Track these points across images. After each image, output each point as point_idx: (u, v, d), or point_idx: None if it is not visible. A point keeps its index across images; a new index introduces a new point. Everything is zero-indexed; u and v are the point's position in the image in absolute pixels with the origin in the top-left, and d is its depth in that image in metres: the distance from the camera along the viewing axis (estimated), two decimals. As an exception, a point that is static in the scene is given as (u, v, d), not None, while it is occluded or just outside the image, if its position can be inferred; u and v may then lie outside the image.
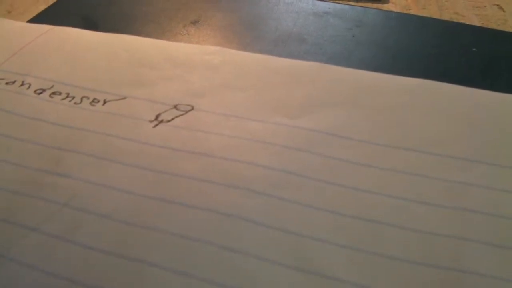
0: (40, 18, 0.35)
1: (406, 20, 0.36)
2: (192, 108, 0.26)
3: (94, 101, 0.27)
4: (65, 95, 0.28)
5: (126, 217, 0.21)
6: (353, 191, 0.22)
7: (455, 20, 0.37)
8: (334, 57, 0.31)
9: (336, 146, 0.24)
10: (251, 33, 0.34)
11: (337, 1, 0.38)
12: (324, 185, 0.22)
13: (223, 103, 0.27)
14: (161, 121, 0.26)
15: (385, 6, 0.39)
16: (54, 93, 0.28)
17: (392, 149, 0.24)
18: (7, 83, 0.29)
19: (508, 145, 0.24)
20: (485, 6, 0.38)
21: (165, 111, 0.26)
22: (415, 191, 0.22)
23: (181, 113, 0.26)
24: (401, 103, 0.26)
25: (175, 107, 0.26)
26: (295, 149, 0.24)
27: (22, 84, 0.29)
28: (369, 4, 0.39)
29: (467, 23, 0.36)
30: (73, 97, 0.28)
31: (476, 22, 0.37)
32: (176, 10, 0.37)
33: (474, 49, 0.32)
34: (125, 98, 0.27)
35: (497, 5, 0.38)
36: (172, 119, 0.26)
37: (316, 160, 0.23)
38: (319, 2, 0.37)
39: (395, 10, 0.38)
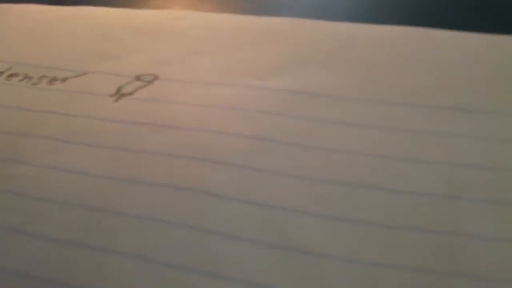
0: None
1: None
2: (156, 78, 0.24)
3: (53, 80, 0.25)
4: (23, 76, 0.26)
5: (88, 202, 0.19)
6: (334, 153, 0.20)
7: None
8: (311, 9, 0.29)
9: (313, 106, 0.22)
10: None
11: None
12: (300, 150, 0.20)
13: (190, 70, 0.24)
14: (122, 95, 0.23)
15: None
16: (11, 75, 0.26)
17: (375, 104, 0.21)
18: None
19: (502, 90, 0.22)
20: None
21: (127, 83, 0.24)
22: (402, 147, 0.20)
23: (144, 84, 0.24)
24: (384, 54, 0.24)
25: (138, 78, 0.24)
26: (267, 113, 0.21)
27: (-23, 69, 0.27)
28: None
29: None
30: (31, 78, 0.26)
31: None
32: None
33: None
34: (85, 74, 0.25)
35: None
36: (134, 91, 0.24)
37: (291, 123, 0.21)
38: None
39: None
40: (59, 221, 0.19)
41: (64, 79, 0.25)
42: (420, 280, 0.16)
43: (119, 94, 0.24)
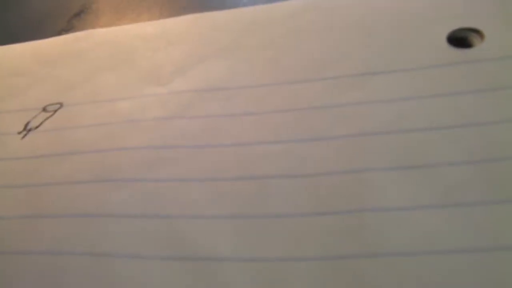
0: None
1: None
2: (62, 106, 0.24)
3: (-37, 128, 0.25)
4: None
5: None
6: (234, 148, 0.19)
7: None
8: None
9: (213, 102, 0.21)
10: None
11: None
12: (201, 151, 0.19)
13: (93, 90, 0.24)
14: (30, 130, 0.23)
15: None
16: None
17: (275, 87, 0.21)
18: None
19: (398, 48, 0.21)
20: None
21: (34, 117, 0.24)
22: (305, 128, 0.19)
23: (50, 114, 0.23)
24: (284, 32, 0.23)
25: (44, 109, 0.24)
26: (167, 119, 0.21)
27: None
28: None
29: None
30: None
31: None
32: (56, 7, 0.33)
33: None
34: (-5, 115, 0.25)
35: None
36: (41, 123, 0.23)
37: (190, 125, 0.20)
38: None
39: None
40: None
41: (-28, 126, 0.25)
42: (331, 268, 0.15)
43: (26, 129, 0.23)
